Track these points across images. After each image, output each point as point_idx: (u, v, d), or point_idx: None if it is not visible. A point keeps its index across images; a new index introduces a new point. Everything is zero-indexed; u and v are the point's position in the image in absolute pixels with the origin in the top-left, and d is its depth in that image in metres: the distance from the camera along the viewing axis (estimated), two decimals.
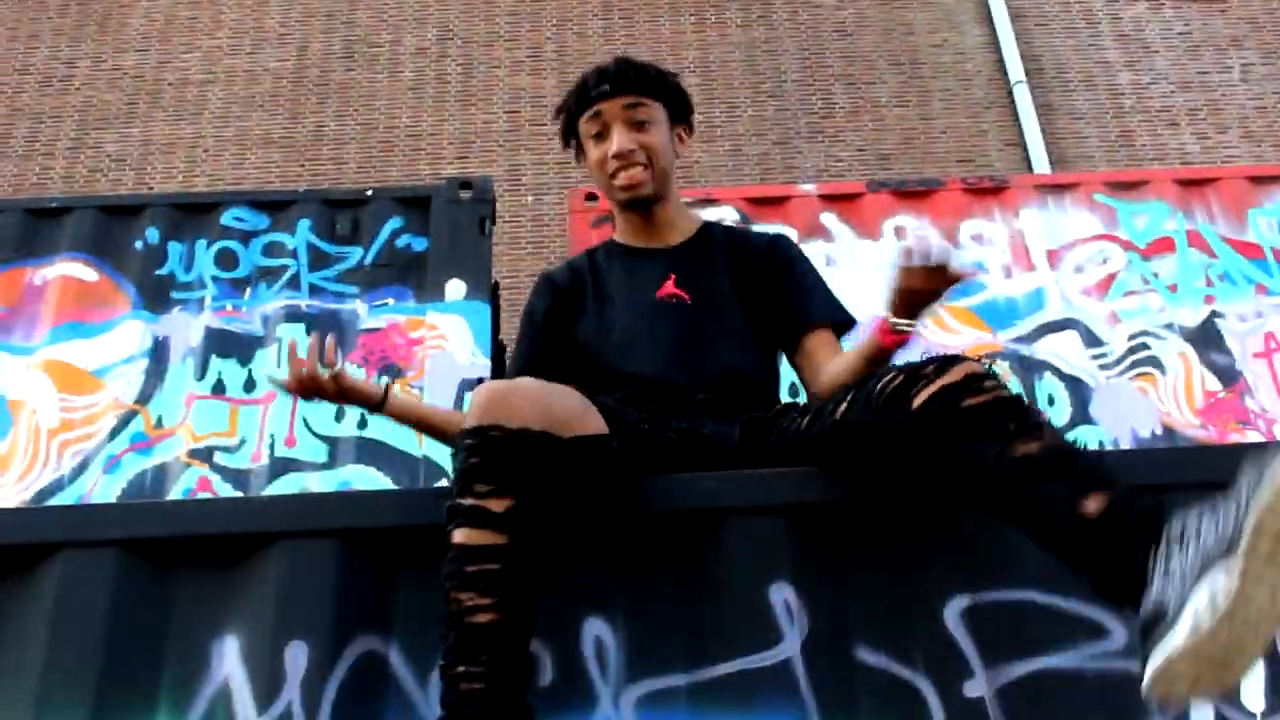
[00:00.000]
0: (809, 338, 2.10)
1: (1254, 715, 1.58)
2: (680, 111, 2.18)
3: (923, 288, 1.77)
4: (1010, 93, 9.20)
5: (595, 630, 1.68)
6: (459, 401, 4.09)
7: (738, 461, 1.87)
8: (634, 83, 2.10)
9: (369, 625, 1.68)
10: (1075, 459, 1.48)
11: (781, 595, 1.64)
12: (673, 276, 2.13)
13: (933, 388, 1.57)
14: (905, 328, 1.84)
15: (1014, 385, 4.28)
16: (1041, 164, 8.64)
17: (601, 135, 2.10)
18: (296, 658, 1.64)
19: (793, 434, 1.83)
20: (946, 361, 1.61)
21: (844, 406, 1.71)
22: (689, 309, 2.10)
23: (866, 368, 1.89)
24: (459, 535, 1.54)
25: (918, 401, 1.58)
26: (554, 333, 2.19)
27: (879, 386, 1.65)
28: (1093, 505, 1.41)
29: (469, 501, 1.54)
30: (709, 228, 2.25)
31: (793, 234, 4.59)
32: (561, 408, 1.64)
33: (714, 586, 1.67)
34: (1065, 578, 1.68)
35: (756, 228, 4.34)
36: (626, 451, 1.73)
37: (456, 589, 1.51)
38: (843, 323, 2.15)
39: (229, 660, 1.67)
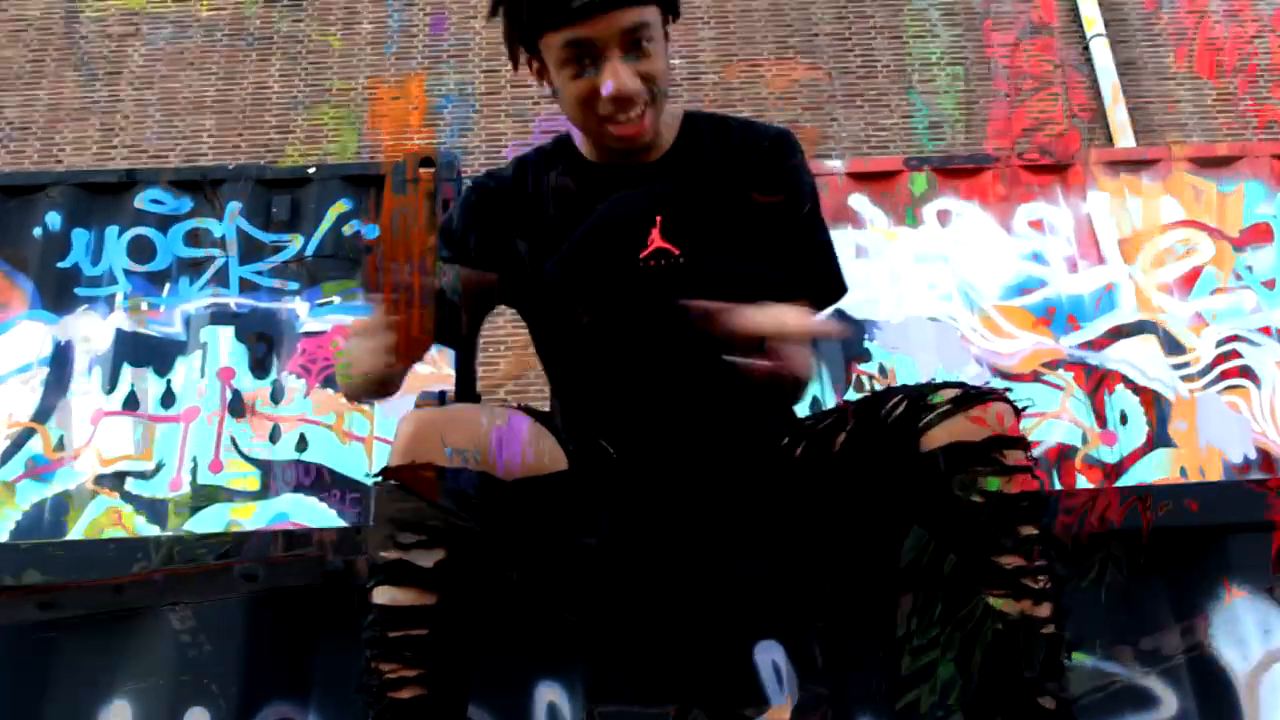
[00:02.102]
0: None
1: None
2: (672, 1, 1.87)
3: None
4: (1087, 48, 9.21)
5: (548, 695, 1.71)
6: None
7: (720, 505, 1.83)
8: None
9: (282, 690, 1.71)
10: (1038, 648, 1.52)
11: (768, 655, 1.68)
12: (659, 219, 1.89)
13: (944, 434, 1.57)
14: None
15: (1078, 402, 4.30)
16: (1125, 134, 8.65)
17: (582, 62, 1.78)
18: None
19: (786, 466, 1.78)
20: (964, 400, 1.59)
21: (843, 436, 1.71)
22: (682, 272, 1.85)
23: None
24: (380, 595, 1.54)
25: (927, 443, 1.58)
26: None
27: (883, 414, 1.65)
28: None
29: (393, 554, 1.53)
30: (691, 124, 2.01)
31: None
32: (506, 439, 1.62)
33: None
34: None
35: None
36: (584, 492, 1.71)
37: (378, 659, 1.52)
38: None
39: None
